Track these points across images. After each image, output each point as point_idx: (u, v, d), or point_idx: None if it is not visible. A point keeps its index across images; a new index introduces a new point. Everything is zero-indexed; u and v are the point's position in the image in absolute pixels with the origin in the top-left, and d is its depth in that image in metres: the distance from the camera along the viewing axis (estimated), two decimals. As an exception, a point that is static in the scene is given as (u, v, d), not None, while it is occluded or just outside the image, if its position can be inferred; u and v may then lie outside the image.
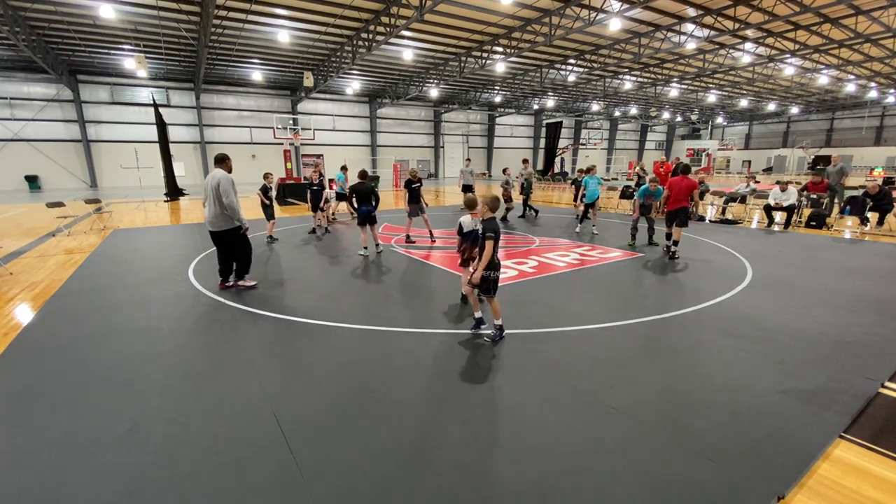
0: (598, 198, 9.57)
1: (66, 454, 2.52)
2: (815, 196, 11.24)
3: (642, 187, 8.23)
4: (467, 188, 13.60)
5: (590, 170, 9.95)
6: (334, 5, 16.37)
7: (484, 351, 3.84)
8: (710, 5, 16.37)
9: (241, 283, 5.85)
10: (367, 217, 7.47)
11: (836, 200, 11.54)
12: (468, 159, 14.97)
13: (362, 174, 7.84)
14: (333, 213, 12.24)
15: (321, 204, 10.04)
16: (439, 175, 39.91)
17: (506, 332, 4.07)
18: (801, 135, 48.87)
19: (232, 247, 5.62)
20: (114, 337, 4.22)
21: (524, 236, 9.49)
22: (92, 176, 27.12)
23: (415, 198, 8.69)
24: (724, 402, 3.00)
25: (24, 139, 25.23)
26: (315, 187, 10.01)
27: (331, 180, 13.03)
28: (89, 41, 20.36)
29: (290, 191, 18.33)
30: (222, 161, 5.53)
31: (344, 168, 13.05)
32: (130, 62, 21.92)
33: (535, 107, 40.69)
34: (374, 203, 7.47)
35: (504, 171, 12.72)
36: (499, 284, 3.93)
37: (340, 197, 12.09)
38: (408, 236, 8.96)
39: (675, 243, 7.31)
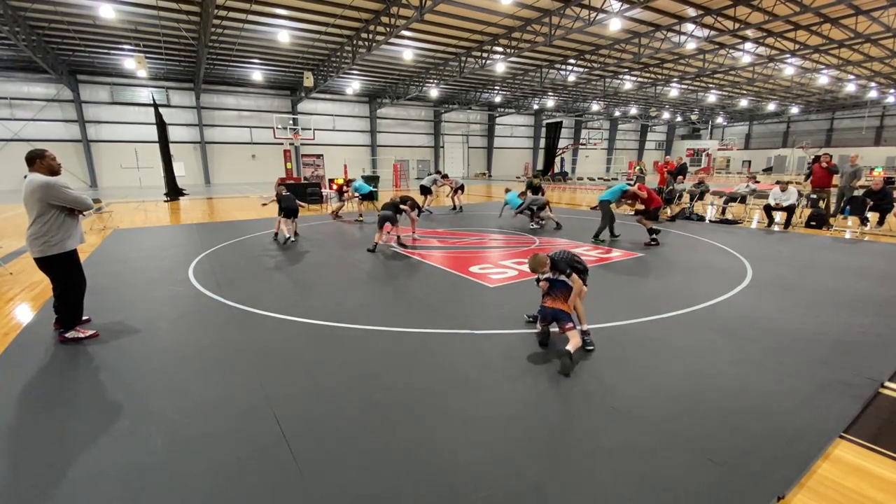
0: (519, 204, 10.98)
1: (66, 454, 2.51)
2: (815, 196, 11.23)
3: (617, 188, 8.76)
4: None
5: (508, 190, 11.88)
6: (334, 5, 16.38)
7: (483, 351, 3.84)
8: (710, 5, 16.38)
9: (67, 335, 4.01)
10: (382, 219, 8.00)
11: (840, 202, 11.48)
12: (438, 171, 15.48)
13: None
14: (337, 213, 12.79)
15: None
16: (439, 175, 39.97)
17: (505, 331, 4.07)
18: (801, 135, 48.87)
19: (55, 280, 3.96)
20: (113, 337, 4.21)
21: (524, 236, 9.49)
22: (92, 176, 27.15)
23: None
24: (724, 402, 3.00)
25: (24, 139, 25.24)
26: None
27: (331, 180, 13.48)
28: (89, 41, 20.38)
29: (290, 191, 18.31)
30: (35, 160, 3.93)
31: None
32: (130, 62, 21.94)
33: (535, 107, 40.68)
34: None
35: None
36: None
37: (365, 198, 12.42)
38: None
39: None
